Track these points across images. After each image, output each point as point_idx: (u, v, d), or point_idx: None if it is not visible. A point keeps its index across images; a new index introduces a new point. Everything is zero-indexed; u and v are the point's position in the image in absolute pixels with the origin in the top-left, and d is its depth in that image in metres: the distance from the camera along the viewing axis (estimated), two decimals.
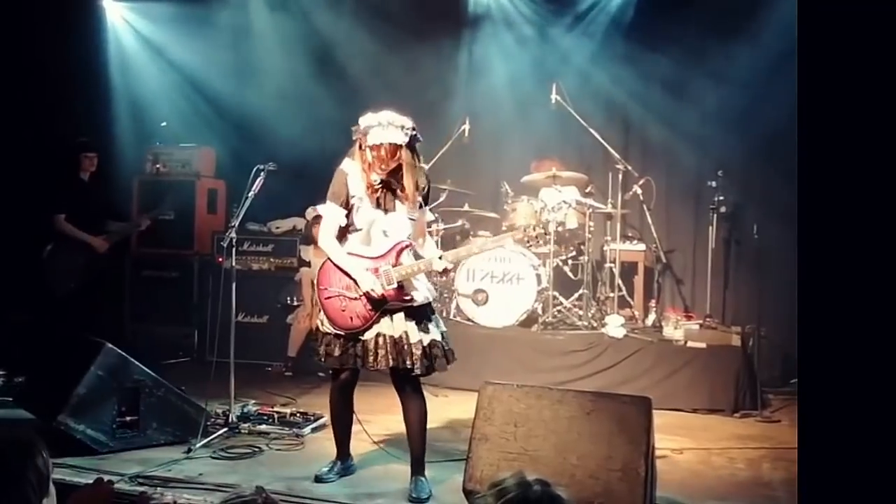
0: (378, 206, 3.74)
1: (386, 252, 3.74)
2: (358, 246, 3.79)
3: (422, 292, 3.79)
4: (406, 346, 3.69)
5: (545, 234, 3.78)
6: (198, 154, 7.64)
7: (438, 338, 3.80)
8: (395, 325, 3.72)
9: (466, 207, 6.91)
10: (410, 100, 7.29)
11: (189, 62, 7.83)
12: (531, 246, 3.71)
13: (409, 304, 3.72)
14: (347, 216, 3.78)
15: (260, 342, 6.64)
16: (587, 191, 6.87)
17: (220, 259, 6.40)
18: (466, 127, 6.98)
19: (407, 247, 3.77)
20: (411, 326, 3.72)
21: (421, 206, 3.85)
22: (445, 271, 3.84)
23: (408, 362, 3.68)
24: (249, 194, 4.73)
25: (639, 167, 6.94)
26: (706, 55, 6.72)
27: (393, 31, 7.57)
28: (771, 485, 4.22)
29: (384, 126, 3.60)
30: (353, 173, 3.75)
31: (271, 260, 6.98)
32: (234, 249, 4.79)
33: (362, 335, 3.74)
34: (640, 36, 7.11)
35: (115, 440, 4.26)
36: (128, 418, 4.32)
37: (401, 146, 3.64)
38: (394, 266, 3.72)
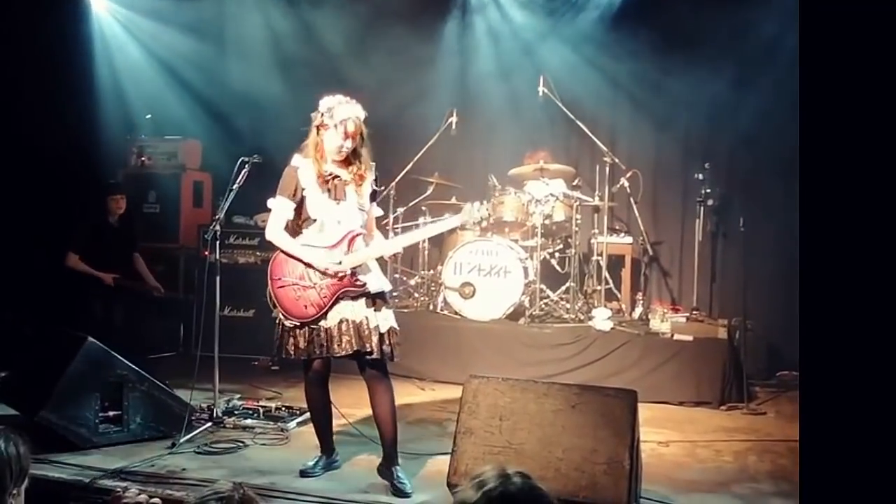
0: (331, 196, 3.81)
1: (339, 240, 3.81)
2: (313, 236, 3.85)
3: (377, 280, 3.86)
4: (367, 331, 3.75)
5: (489, 216, 3.82)
6: (183, 146, 7.57)
7: (396, 326, 3.87)
8: (357, 311, 3.77)
9: (454, 200, 6.89)
10: (397, 91, 7.33)
11: (174, 53, 7.76)
12: (476, 224, 3.76)
13: (364, 290, 3.78)
14: (298, 210, 3.85)
15: (246, 336, 6.58)
16: (574, 183, 6.86)
17: (206, 252, 6.35)
18: (454, 120, 6.96)
19: (359, 234, 3.84)
20: (371, 312, 3.79)
21: (373, 199, 3.96)
22: (395, 255, 3.90)
23: (367, 346, 3.73)
24: (234, 187, 4.69)
25: (626, 160, 6.94)
26: (694, 48, 6.71)
27: (380, 21, 7.53)
28: (757, 477, 4.22)
29: (344, 103, 3.75)
30: (304, 166, 3.84)
31: (257, 253, 6.92)
32: (218, 242, 4.76)
33: (324, 323, 3.77)
34: (627, 28, 7.09)
35: (98, 435, 4.22)
36: (111, 413, 4.29)
37: (362, 120, 3.78)
38: (346, 254, 3.78)
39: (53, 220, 7.00)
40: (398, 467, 3.85)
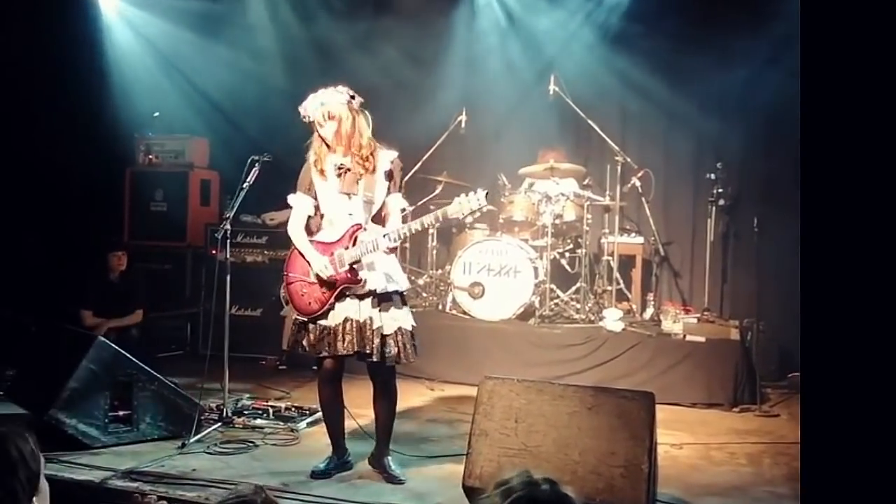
0: (340, 190, 3.80)
1: (342, 236, 3.79)
2: (325, 232, 3.86)
3: (381, 278, 3.78)
4: (368, 333, 3.73)
5: (480, 208, 3.69)
6: (191, 144, 7.54)
7: (407, 326, 3.83)
8: (362, 311, 3.76)
9: None
10: (407, 90, 7.29)
11: (182, 50, 7.73)
12: (467, 217, 3.73)
13: (362, 287, 3.74)
14: (316, 205, 3.88)
15: (254, 335, 6.56)
16: (585, 183, 6.81)
17: (214, 251, 6.31)
18: (463, 118, 6.92)
19: (360, 229, 3.79)
20: (375, 313, 3.76)
21: (390, 191, 3.87)
22: (392, 249, 3.81)
23: (367, 348, 3.71)
24: (244, 185, 4.66)
25: (637, 159, 6.87)
26: (706, 45, 6.65)
27: (389, 19, 7.49)
28: (773, 481, 4.17)
29: (316, 95, 3.78)
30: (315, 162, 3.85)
31: (265, 252, 6.89)
32: (228, 241, 4.73)
33: (330, 321, 3.76)
34: (638, 25, 7.03)
35: (107, 435, 4.20)
36: (120, 412, 4.27)
37: (339, 103, 3.75)
38: (347, 249, 3.76)
39: (58, 220, 7.00)
40: (389, 458, 3.94)
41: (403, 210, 4.02)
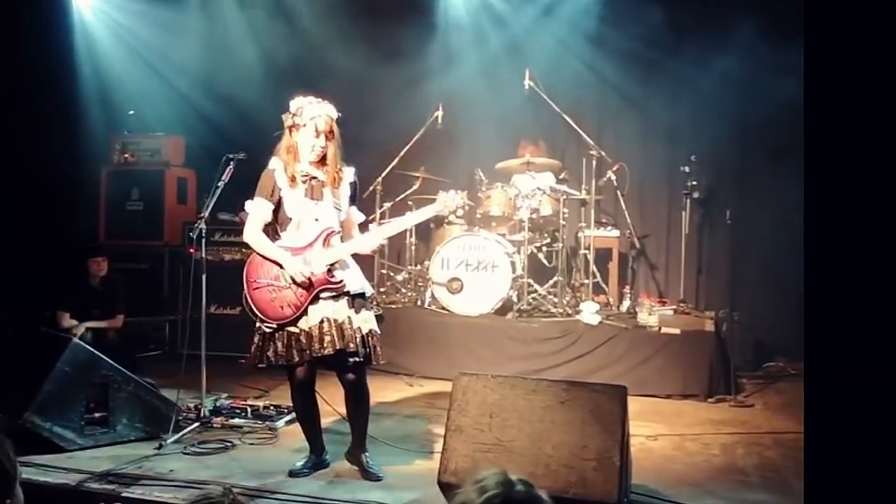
0: (306, 195, 3.81)
1: (314, 239, 3.80)
2: (290, 237, 3.84)
3: (355, 280, 3.84)
4: (350, 331, 3.73)
5: (464, 206, 3.79)
6: (167, 143, 7.51)
7: (376, 329, 3.87)
8: (339, 311, 3.76)
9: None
10: (383, 86, 7.29)
11: (157, 49, 7.69)
12: (452, 214, 3.85)
13: (340, 289, 3.76)
14: (276, 213, 3.84)
15: (233, 334, 6.52)
16: (561, 177, 6.85)
17: (192, 250, 6.29)
18: (439, 114, 6.93)
19: (334, 232, 3.82)
20: (352, 313, 3.78)
21: (353, 202, 3.94)
22: (375, 250, 3.90)
23: (350, 346, 3.71)
24: (219, 184, 4.65)
25: (612, 153, 6.92)
26: (680, 40, 6.70)
27: (364, 15, 7.49)
28: (744, 470, 4.23)
29: (314, 102, 3.78)
30: (279, 168, 3.82)
31: (244, 250, 6.81)
32: (203, 240, 4.74)
33: (304, 324, 3.74)
34: (613, 21, 7.08)
35: (83, 437, 4.18)
36: (96, 415, 4.25)
37: (333, 119, 3.78)
38: (321, 252, 3.77)
39: (33, 220, 6.95)
40: (367, 453, 3.94)
41: (370, 218, 4.05)
